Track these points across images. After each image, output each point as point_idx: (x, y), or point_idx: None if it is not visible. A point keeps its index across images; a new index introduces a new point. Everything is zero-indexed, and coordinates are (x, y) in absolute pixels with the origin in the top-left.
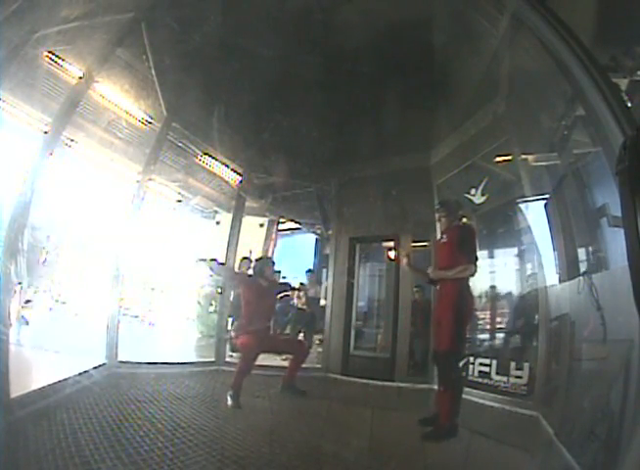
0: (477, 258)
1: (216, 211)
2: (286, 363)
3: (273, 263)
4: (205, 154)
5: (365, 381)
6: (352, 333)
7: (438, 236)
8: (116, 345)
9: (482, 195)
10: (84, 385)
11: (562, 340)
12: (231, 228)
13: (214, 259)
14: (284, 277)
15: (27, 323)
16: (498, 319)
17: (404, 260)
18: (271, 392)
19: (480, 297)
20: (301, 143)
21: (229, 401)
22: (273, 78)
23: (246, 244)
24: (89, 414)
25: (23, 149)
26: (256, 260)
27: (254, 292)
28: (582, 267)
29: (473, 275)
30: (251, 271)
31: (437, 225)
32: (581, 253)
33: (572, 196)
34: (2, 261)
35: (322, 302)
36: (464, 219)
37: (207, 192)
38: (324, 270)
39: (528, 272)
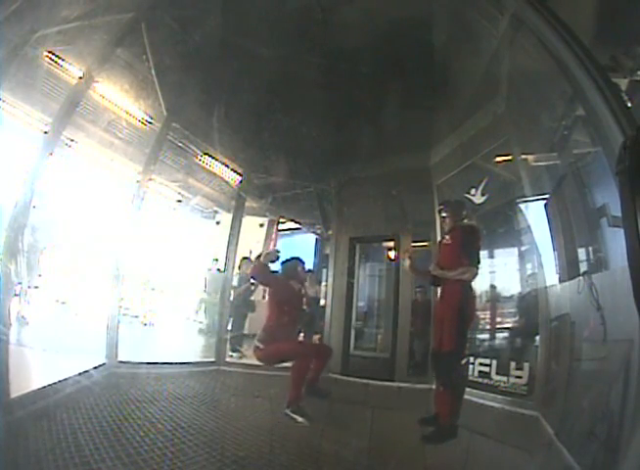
0: (479, 261)
1: (216, 211)
2: (286, 363)
3: (303, 263)
4: (205, 154)
5: (365, 381)
6: (352, 333)
7: (439, 236)
8: (116, 345)
9: (482, 195)
10: (84, 385)
11: (562, 340)
12: (231, 228)
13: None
14: None
15: (27, 323)
16: (498, 319)
17: (407, 262)
18: (271, 392)
19: (479, 297)
20: (301, 143)
21: (299, 419)
22: (273, 78)
23: (246, 244)
24: (89, 414)
25: (23, 149)
26: (285, 262)
27: (288, 295)
28: (582, 267)
29: (473, 278)
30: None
31: (438, 225)
32: (581, 253)
33: (572, 196)
34: (2, 261)
35: (322, 302)
36: (466, 220)
37: (207, 192)
38: (324, 270)
39: (528, 272)
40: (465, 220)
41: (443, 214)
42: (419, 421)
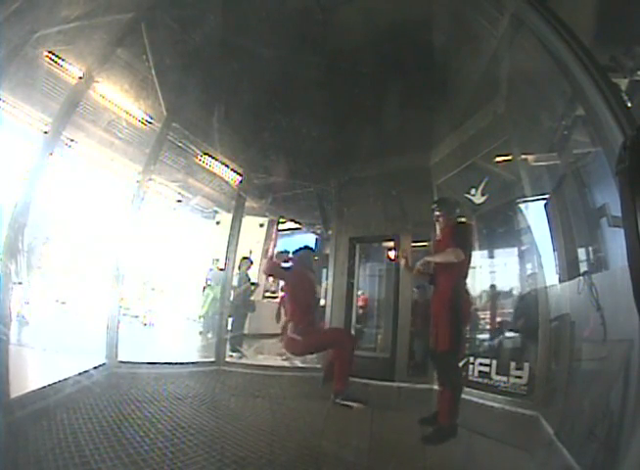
0: (470, 249)
1: (216, 211)
2: (286, 363)
3: (314, 251)
4: (205, 154)
5: (365, 381)
6: (352, 333)
7: (438, 235)
8: (116, 345)
9: (482, 195)
10: (84, 385)
11: (562, 340)
12: (231, 228)
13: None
14: None
15: (27, 323)
16: (498, 319)
17: (402, 262)
18: (271, 392)
19: (479, 297)
20: (301, 143)
21: (354, 405)
22: (273, 78)
23: (246, 244)
24: (89, 414)
25: (24, 149)
26: (297, 251)
27: (309, 286)
28: (582, 267)
29: (459, 259)
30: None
31: (437, 225)
32: (581, 253)
33: (572, 196)
34: (2, 261)
35: (322, 302)
36: (461, 218)
37: (207, 192)
38: (324, 270)
39: (528, 272)
40: (460, 218)
41: (437, 213)
42: (419, 421)
